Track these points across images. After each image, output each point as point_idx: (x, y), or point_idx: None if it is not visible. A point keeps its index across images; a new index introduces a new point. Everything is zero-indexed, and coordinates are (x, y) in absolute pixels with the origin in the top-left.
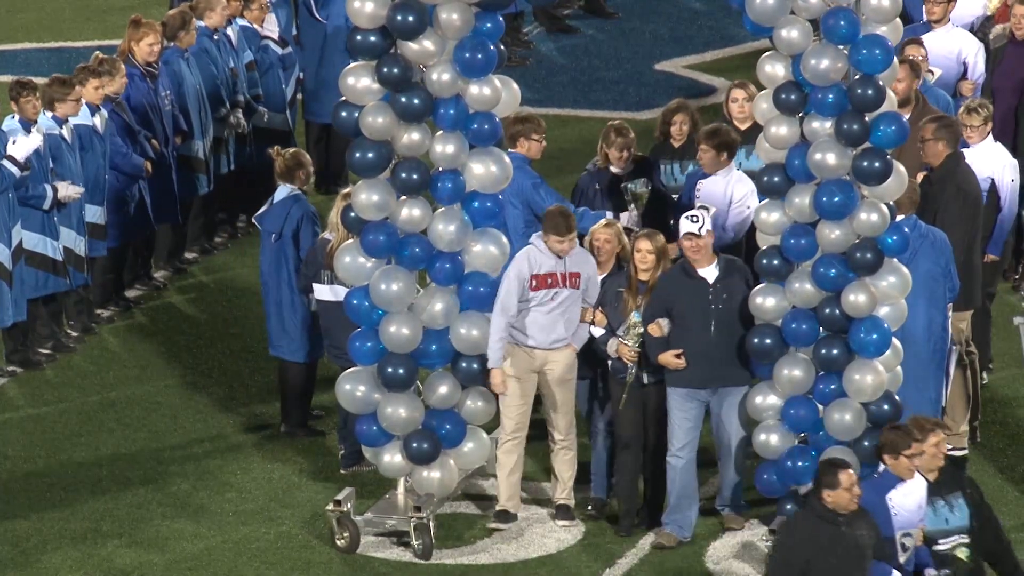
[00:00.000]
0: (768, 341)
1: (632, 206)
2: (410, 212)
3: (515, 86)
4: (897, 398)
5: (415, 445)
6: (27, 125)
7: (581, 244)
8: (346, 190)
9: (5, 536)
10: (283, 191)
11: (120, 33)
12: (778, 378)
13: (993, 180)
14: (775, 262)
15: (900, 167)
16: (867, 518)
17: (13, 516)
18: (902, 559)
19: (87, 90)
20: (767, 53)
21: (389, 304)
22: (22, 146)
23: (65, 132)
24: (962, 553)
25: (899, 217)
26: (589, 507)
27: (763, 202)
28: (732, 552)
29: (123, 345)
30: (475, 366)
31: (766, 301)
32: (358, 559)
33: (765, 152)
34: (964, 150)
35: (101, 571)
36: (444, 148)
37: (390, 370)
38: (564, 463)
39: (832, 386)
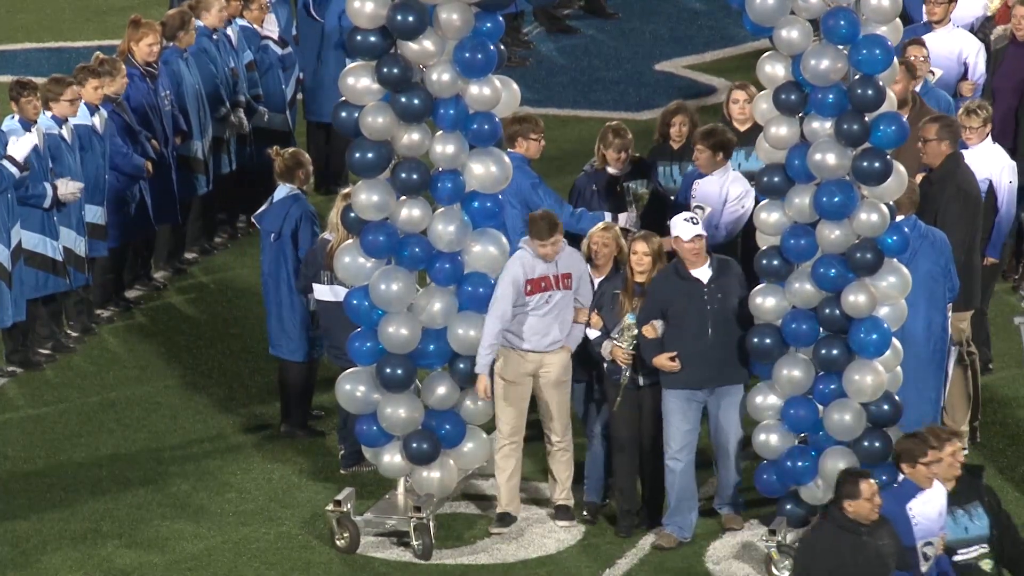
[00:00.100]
0: (768, 341)
1: (632, 207)
2: (410, 212)
3: (515, 86)
4: (897, 398)
5: (415, 445)
6: (27, 125)
7: (579, 246)
8: (346, 190)
9: (5, 536)
10: (282, 191)
11: (120, 33)
12: (777, 378)
13: (991, 182)
14: (775, 262)
15: (900, 167)
16: (888, 527)
17: (13, 516)
18: (923, 568)
19: (86, 90)
20: (767, 53)
21: (389, 304)
22: (21, 146)
23: (65, 132)
24: (986, 564)
25: (899, 217)
26: (584, 512)
27: (763, 202)
28: (732, 552)
29: (123, 345)
30: (473, 367)
31: (766, 301)
32: (358, 559)
33: (765, 152)
34: (963, 151)
35: (101, 571)
36: (444, 148)
37: (388, 371)
38: (561, 465)
39: (832, 386)
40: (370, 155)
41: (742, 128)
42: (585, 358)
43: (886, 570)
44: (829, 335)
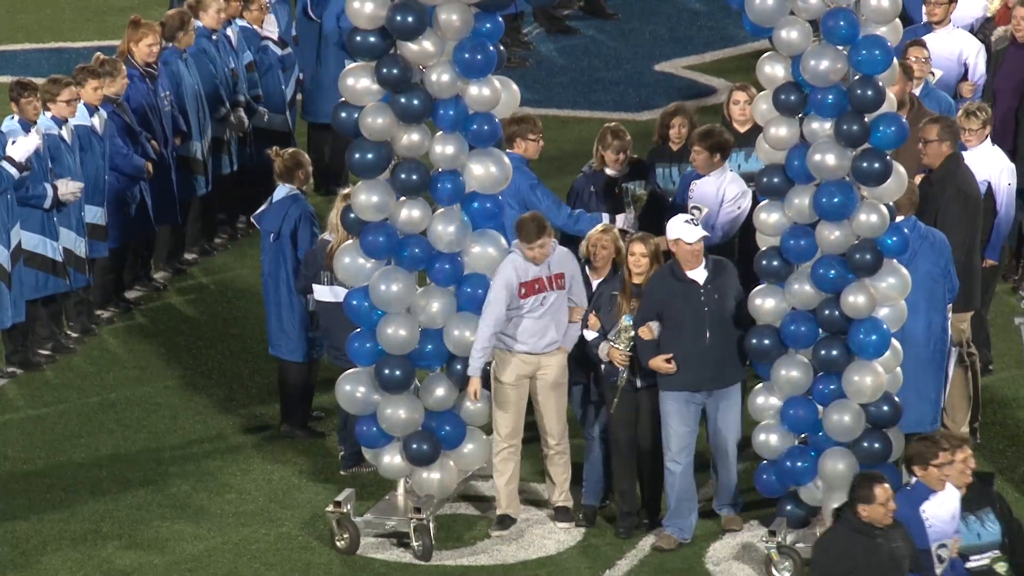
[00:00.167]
0: (767, 342)
1: (630, 208)
2: (409, 213)
3: (514, 87)
4: (896, 399)
5: (415, 446)
6: (27, 126)
7: (576, 248)
8: (346, 191)
9: (5, 537)
10: (282, 191)
11: (119, 34)
12: (776, 379)
13: (989, 184)
14: (775, 263)
15: (900, 168)
16: (902, 530)
17: (13, 517)
18: (938, 571)
19: (85, 91)
20: (767, 54)
21: (388, 305)
22: (21, 147)
23: (64, 133)
24: (1000, 567)
25: (899, 218)
26: (580, 516)
27: (763, 203)
28: (732, 553)
29: (123, 346)
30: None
31: (765, 302)
32: (358, 560)
33: (765, 153)
34: (962, 152)
35: (101, 572)
36: (444, 149)
37: (387, 372)
38: (559, 467)
39: (831, 387)
40: (370, 156)
41: (742, 129)
42: (583, 360)
43: (900, 572)
44: (829, 336)
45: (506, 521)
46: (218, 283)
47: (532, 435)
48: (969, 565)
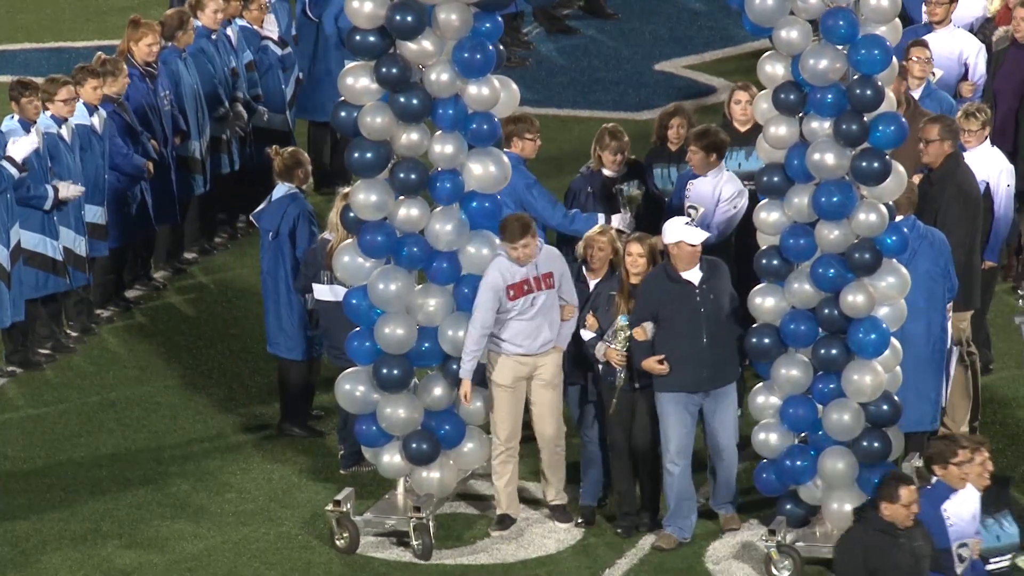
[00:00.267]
0: (767, 341)
1: (625, 208)
2: (408, 212)
3: (514, 86)
4: (896, 398)
5: (414, 445)
6: (27, 125)
7: (573, 250)
8: (346, 190)
9: (5, 536)
10: (281, 189)
11: (119, 33)
12: (776, 378)
13: (988, 185)
14: (774, 262)
15: (899, 167)
16: (922, 530)
17: (13, 516)
18: (959, 570)
19: (85, 90)
20: (767, 53)
21: (387, 304)
22: (20, 147)
23: (64, 132)
24: (1022, 561)
25: (898, 218)
26: (579, 518)
27: (762, 202)
28: (732, 552)
29: (123, 345)
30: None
31: (765, 301)
32: (358, 559)
33: (764, 152)
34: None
35: (101, 572)
36: (443, 148)
37: (385, 371)
38: (553, 466)
39: (831, 386)
40: (369, 155)
41: (743, 129)
42: (581, 360)
43: (921, 572)
44: (828, 335)
45: (506, 521)
46: (218, 283)
47: (529, 434)
48: (989, 567)
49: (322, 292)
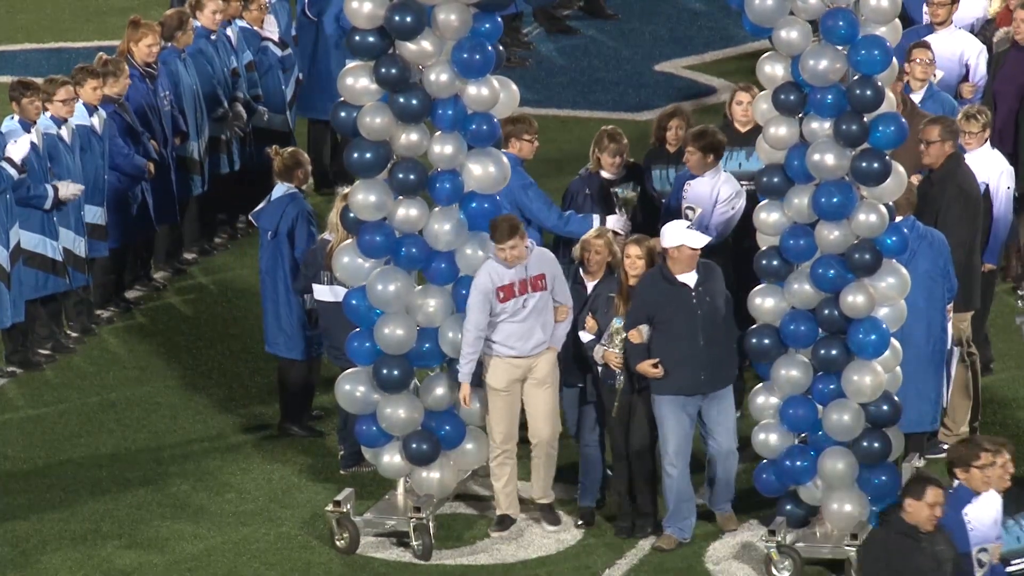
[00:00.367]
0: (767, 341)
1: (620, 210)
2: (407, 212)
3: (513, 87)
4: (896, 399)
5: (414, 446)
6: (27, 126)
7: (570, 252)
8: (346, 190)
9: (5, 537)
10: (280, 189)
11: (119, 34)
12: (776, 378)
13: (987, 186)
14: (774, 263)
15: (899, 168)
16: (944, 535)
17: (13, 517)
18: (978, 575)
19: (85, 90)
20: (767, 54)
21: (386, 304)
22: (19, 147)
23: (64, 132)
24: None
25: (897, 218)
26: (579, 521)
27: (762, 202)
28: (732, 553)
29: (123, 346)
30: None
31: (765, 302)
32: (358, 560)
33: (764, 153)
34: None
35: (101, 572)
36: (442, 149)
37: (385, 372)
38: (544, 467)
39: (831, 386)
40: (368, 155)
41: (743, 130)
42: (580, 362)
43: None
44: (828, 335)
45: (506, 521)
46: (218, 283)
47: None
48: (1010, 569)
49: (322, 292)
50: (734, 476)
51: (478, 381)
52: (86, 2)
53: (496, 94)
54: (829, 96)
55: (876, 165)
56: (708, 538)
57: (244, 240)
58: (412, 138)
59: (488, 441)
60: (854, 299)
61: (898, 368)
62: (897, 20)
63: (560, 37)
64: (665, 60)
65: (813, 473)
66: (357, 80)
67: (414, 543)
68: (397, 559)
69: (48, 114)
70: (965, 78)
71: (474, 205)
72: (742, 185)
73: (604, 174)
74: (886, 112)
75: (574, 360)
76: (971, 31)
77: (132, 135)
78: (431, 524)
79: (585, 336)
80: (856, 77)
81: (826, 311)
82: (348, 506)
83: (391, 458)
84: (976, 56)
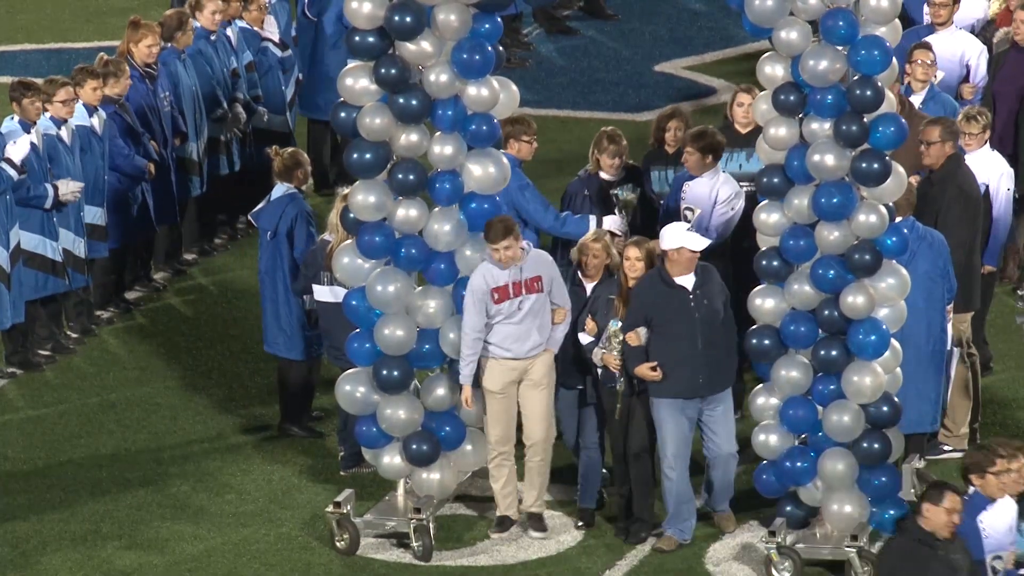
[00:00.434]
0: (767, 342)
1: (620, 212)
2: (407, 213)
3: (513, 87)
4: (896, 399)
5: (415, 447)
6: (27, 126)
7: (568, 254)
8: (345, 191)
9: (5, 537)
10: (280, 189)
11: (119, 34)
12: (776, 379)
13: (987, 188)
14: (774, 263)
15: (899, 168)
16: (961, 543)
17: (13, 517)
18: None
19: (84, 91)
20: (767, 54)
21: (386, 305)
22: (18, 148)
23: (64, 133)
24: None
25: (897, 219)
26: (579, 523)
27: (762, 203)
28: (732, 554)
29: (123, 346)
30: None
31: (765, 302)
32: (358, 561)
33: (764, 153)
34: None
35: (101, 572)
36: (442, 149)
37: (385, 373)
38: (536, 471)
39: (831, 387)
40: (368, 156)
41: (744, 131)
42: (580, 363)
43: None
44: (828, 336)
45: (505, 523)
46: (218, 283)
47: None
48: (1023, 572)
49: (322, 293)
50: (732, 479)
51: (480, 382)
52: (86, 2)
53: (496, 95)
54: (829, 96)
55: (876, 166)
56: (708, 539)
57: (244, 241)
58: (412, 139)
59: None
60: (854, 300)
61: (898, 369)
62: (897, 20)
63: (560, 38)
64: (665, 61)
65: (813, 474)
66: (357, 81)
67: (414, 544)
68: (397, 560)
69: (48, 115)
70: (966, 79)
71: (474, 206)
72: (742, 187)
73: (603, 175)
74: (886, 112)
75: (573, 362)
76: (971, 32)
77: (132, 136)
78: (431, 525)
79: (585, 338)
80: (856, 77)
81: (826, 312)
82: (348, 507)
83: (391, 459)
84: (977, 57)
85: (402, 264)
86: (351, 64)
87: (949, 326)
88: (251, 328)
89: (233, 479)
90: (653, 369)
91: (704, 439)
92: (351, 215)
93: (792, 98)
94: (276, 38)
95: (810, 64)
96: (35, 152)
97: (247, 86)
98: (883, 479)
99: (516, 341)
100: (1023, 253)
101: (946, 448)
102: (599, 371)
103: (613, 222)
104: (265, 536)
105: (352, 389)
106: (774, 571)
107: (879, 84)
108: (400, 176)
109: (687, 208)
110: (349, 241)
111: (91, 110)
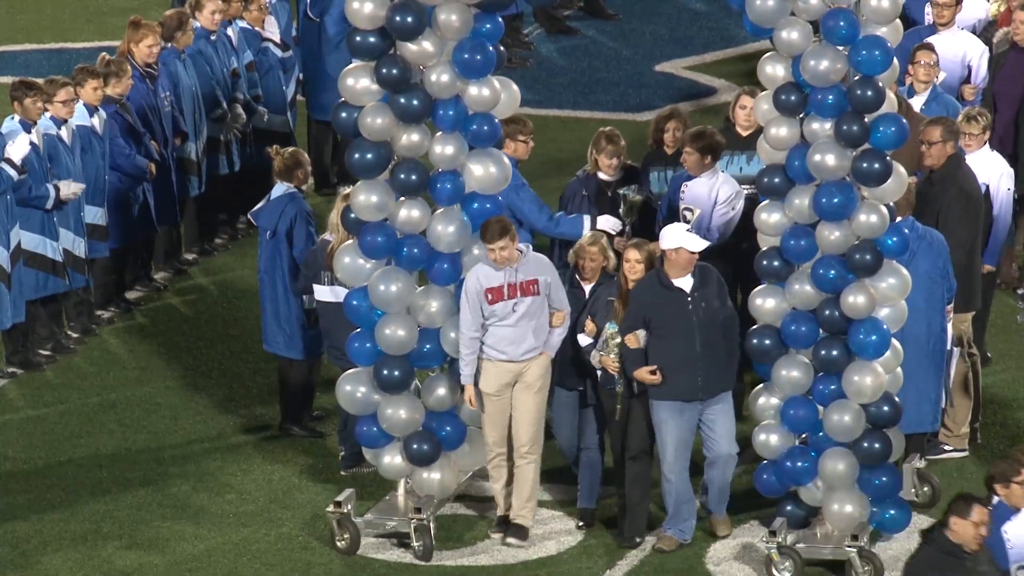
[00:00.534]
0: (767, 342)
1: (628, 212)
2: (409, 213)
3: (514, 87)
4: (897, 399)
5: (415, 446)
6: (27, 126)
7: (565, 256)
8: (346, 191)
9: (5, 537)
10: (279, 189)
11: (120, 34)
12: (777, 379)
13: (987, 188)
14: (775, 263)
15: (900, 168)
16: (988, 555)
17: (13, 517)
18: None
19: (85, 91)
20: (767, 54)
21: (387, 305)
22: (18, 148)
23: (64, 133)
24: None
25: (896, 219)
26: (580, 523)
27: (763, 203)
28: (732, 553)
29: (123, 346)
30: None
31: (766, 302)
32: (358, 560)
33: (765, 153)
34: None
35: (101, 572)
36: (443, 149)
37: (385, 372)
38: (525, 477)
39: (831, 387)
40: (369, 156)
41: (745, 133)
42: (579, 365)
43: None
44: (829, 336)
45: (506, 523)
46: (218, 283)
47: None
48: None
49: (323, 293)
50: (731, 480)
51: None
52: (86, 2)
53: (497, 94)
54: (830, 96)
55: (877, 166)
56: (709, 539)
57: (244, 240)
58: (413, 139)
59: None
60: (855, 300)
61: (899, 369)
62: (898, 20)
63: (560, 37)
64: (665, 60)
65: (814, 474)
66: (358, 81)
67: (415, 544)
68: (398, 560)
69: (48, 115)
70: (967, 80)
71: (475, 206)
72: (743, 190)
73: (602, 175)
74: (887, 113)
75: (573, 363)
76: (973, 32)
77: (133, 135)
78: (432, 525)
79: (584, 339)
80: (857, 78)
81: (827, 312)
82: (349, 507)
83: (392, 459)
84: (978, 57)
85: (404, 264)
86: (352, 64)
87: (949, 326)
88: (251, 328)
89: (233, 479)
90: (652, 373)
91: (704, 439)
92: (352, 215)
93: (793, 98)
94: (277, 38)
95: (811, 64)
96: (35, 152)
97: (247, 86)
98: (884, 479)
99: (511, 343)
100: (1020, 255)
101: (946, 448)
102: (599, 373)
103: (607, 222)
104: (265, 536)
105: (353, 389)
106: (774, 571)
107: (880, 84)
108: (402, 176)
109: (686, 208)
110: (350, 241)
111: (91, 110)
